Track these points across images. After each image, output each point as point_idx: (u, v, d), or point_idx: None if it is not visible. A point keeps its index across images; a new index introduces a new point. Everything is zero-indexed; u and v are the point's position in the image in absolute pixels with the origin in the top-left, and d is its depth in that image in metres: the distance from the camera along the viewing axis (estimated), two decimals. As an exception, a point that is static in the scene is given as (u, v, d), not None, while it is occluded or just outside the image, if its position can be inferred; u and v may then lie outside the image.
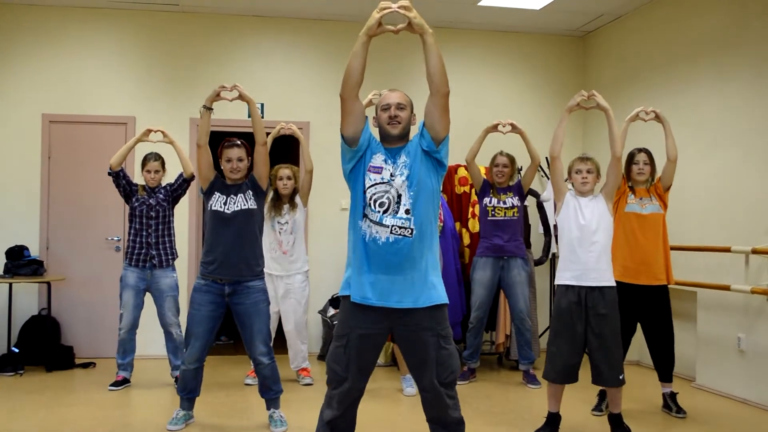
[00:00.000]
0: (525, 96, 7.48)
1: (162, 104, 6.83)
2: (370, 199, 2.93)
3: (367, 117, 3.03)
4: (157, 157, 5.39)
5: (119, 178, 5.26)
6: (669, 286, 4.66)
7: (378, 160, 2.99)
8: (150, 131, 5.34)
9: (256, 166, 4.24)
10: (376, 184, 2.95)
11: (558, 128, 4.19)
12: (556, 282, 4.14)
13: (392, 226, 2.89)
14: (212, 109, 4.16)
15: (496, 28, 7.36)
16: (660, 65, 6.29)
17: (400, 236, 2.89)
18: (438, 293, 2.98)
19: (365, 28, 2.81)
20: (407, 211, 2.91)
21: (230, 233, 4.12)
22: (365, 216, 2.94)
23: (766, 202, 5.05)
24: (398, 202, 2.91)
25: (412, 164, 2.95)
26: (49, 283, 6.13)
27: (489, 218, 5.55)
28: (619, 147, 4.08)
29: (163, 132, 5.33)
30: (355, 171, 3.02)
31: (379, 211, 2.91)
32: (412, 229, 2.90)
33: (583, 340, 4.03)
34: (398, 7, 2.79)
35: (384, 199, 2.93)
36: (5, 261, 6.09)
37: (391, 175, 2.95)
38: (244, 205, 4.15)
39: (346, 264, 3.06)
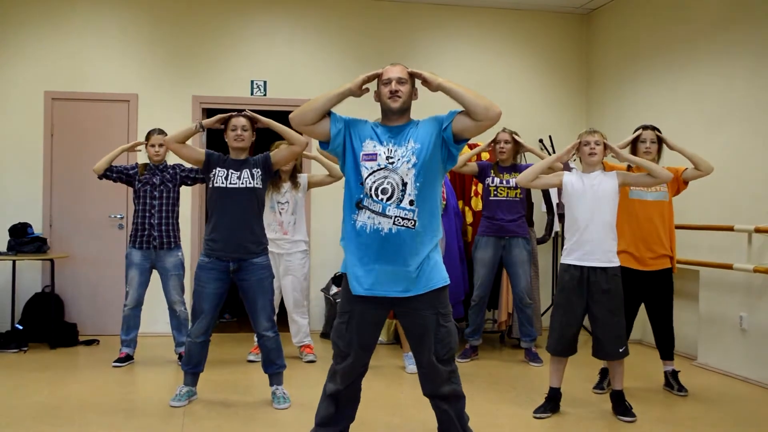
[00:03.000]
0: (527, 74, 7.43)
1: (164, 82, 6.80)
2: (371, 188, 2.87)
3: (331, 112, 2.98)
4: (161, 132, 5.36)
5: (109, 176, 5.27)
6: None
7: (369, 146, 2.94)
8: (138, 144, 5.45)
9: (281, 152, 4.25)
10: (374, 171, 2.89)
11: (538, 165, 4.20)
12: (561, 261, 4.15)
13: (395, 217, 2.85)
14: (204, 130, 4.23)
15: (499, 6, 7.29)
16: (664, 42, 6.23)
17: (403, 227, 2.85)
18: (439, 275, 2.96)
19: (350, 86, 2.89)
20: (411, 202, 2.86)
21: (232, 209, 4.11)
22: (364, 207, 2.88)
23: (770, 181, 5.04)
24: (403, 191, 2.86)
25: (420, 152, 2.89)
26: (52, 261, 6.14)
27: (491, 198, 5.53)
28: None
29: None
30: (348, 166, 2.98)
31: (382, 199, 2.86)
32: (415, 221, 2.86)
33: (582, 313, 4.06)
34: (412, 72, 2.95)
35: (386, 185, 2.87)
36: (9, 238, 6.10)
37: (389, 158, 2.89)
38: (249, 182, 4.14)
39: None
